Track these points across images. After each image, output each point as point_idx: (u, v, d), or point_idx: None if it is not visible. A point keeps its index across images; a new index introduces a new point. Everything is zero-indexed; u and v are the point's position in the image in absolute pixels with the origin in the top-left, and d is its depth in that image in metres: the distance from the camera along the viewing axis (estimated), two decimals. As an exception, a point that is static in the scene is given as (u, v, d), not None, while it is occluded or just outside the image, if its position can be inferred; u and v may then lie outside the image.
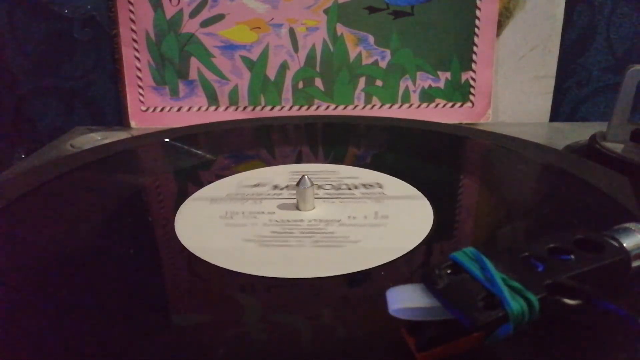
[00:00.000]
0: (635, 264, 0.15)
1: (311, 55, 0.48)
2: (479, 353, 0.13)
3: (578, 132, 0.43)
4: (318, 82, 0.49)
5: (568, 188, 0.27)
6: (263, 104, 0.49)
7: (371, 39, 0.48)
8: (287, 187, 0.28)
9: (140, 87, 0.49)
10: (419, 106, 0.50)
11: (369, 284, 0.19)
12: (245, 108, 0.49)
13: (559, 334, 0.14)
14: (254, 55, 0.48)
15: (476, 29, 0.47)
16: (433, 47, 0.48)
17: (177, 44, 0.48)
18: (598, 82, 0.51)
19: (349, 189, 0.27)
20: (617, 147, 0.35)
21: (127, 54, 0.48)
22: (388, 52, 0.48)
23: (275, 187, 0.28)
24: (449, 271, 0.14)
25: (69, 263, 0.21)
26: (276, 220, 0.24)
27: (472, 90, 0.49)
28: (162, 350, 0.15)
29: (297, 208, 0.25)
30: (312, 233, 0.22)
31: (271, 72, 0.49)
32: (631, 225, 0.16)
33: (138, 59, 0.48)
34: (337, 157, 0.34)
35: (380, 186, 0.26)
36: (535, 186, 0.30)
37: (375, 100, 0.50)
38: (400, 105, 0.50)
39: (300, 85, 0.49)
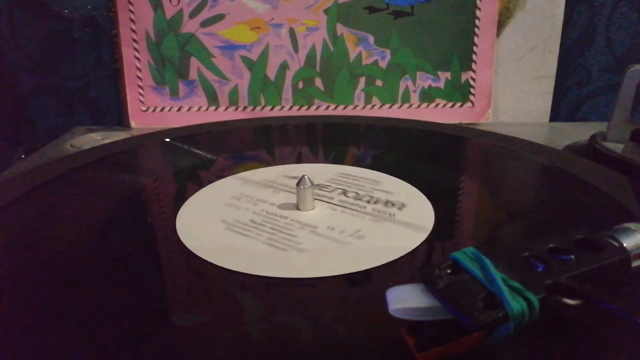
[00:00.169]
0: (635, 264, 0.15)
1: (311, 55, 0.48)
2: (479, 353, 0.13)
3: (578, 132, 0.43)
4: (318, 82, 0.49)
5: (568, 188, 0.27)
6: (263, 104, 0.49)
7: (371, 39, 0.48)
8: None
9: (140, 87, 0.49)
10: (419, 106, 0.50)
11: (369, 283, 0.19)
12: (245, 108, 0.49)
13: (559, 334, 0.14)
14: (254, 55, 0.48)
15: (476, 29, 0.47)
16: (433, 47, 0.48)
17: (177, 44, 0.48)
18: (598, 82, 0.51)
19: (368, 202, 0.26)
20: (617, 147, 0.35)
21: (127, 54, 0.48)
22: (388, 52, 0.48)
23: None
24: (449, 271, 0.14)
25: (69, 263, 0.21)
26: (276, 220, 0.24)
27: (472, 90, 0.49)
28: (162, 350, 0.15)
29: (297, 208, 0.25)
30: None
31: (271, 72, 0.49)
32: (631, 225, 0.16)
33: (138, 59, 0.48)
34: (337, 157, 0.34)
35: (399, 208, 0.25)
36: (535, 186, 0.30)
37: (375, 100, 0.50)
38: (400, 105, 0.50)
39: (300, 85, 0.49)
